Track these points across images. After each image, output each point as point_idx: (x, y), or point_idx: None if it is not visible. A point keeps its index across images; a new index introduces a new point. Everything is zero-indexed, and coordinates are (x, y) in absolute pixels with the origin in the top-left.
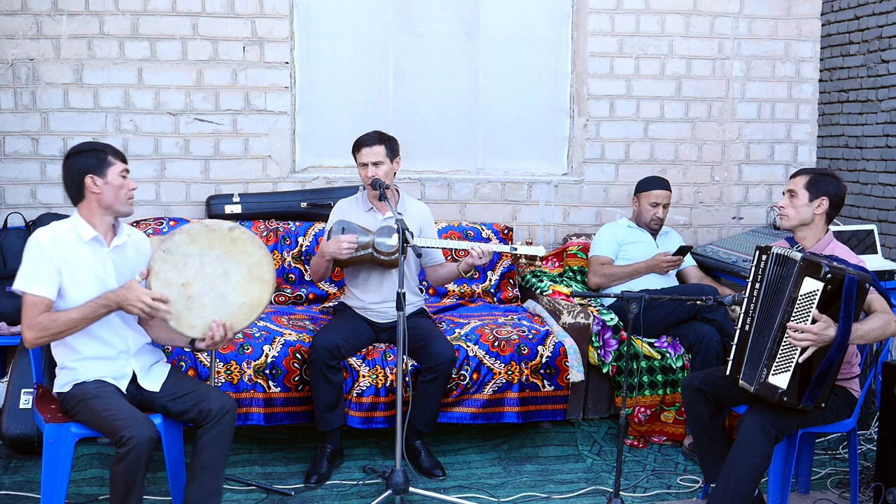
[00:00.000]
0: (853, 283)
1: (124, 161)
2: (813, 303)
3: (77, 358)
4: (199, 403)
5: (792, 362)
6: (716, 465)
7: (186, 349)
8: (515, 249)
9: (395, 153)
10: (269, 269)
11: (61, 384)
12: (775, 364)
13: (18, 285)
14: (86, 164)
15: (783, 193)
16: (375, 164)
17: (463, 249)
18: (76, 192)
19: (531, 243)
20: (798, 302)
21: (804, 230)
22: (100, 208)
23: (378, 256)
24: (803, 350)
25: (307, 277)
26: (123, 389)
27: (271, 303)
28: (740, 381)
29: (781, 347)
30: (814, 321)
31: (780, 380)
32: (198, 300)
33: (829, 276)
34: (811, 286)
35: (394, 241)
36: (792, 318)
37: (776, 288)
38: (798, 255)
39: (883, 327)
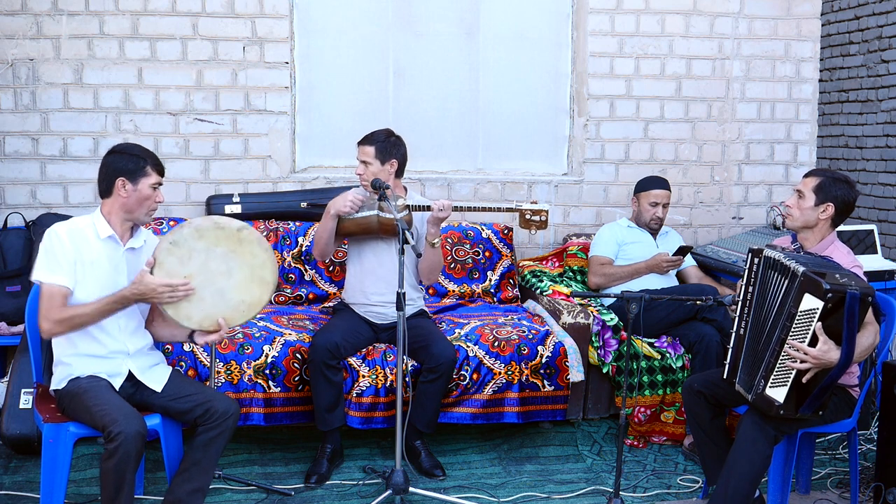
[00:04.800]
0: (855, 300)
1: (161, 174)
2: (812, 319)
3: (73, 353)
4: (205, 404)
5: (790, 376)
6: (718, 466)
7: (186, 342)
8: (520, 205)
9: (390, 155)
10: (271, 270)
11: (58, 380)
12: (773, 377)
13: (37, 276)
14: (123, 166)
15: (794, 191)
16: (364, 163)
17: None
18: (105, 189)
19: (536, 202)
20: (797, 318)
21: (807, 232)
22: (121, 211)
23: (383, 216)
24: (803, 371)
25: (307, 277)
26: (117, 387)
27: (271, 303)
28: (736, 386)
29: (779, 361)
30: (814, 337)
31: (778, 393)
32: (198, 293)
33: (829, 294)
34: (811, 304)
35: (400, 202)
36: (791, 335)
37: (773, 297)
38: (800, 269)
39: (873, 342)
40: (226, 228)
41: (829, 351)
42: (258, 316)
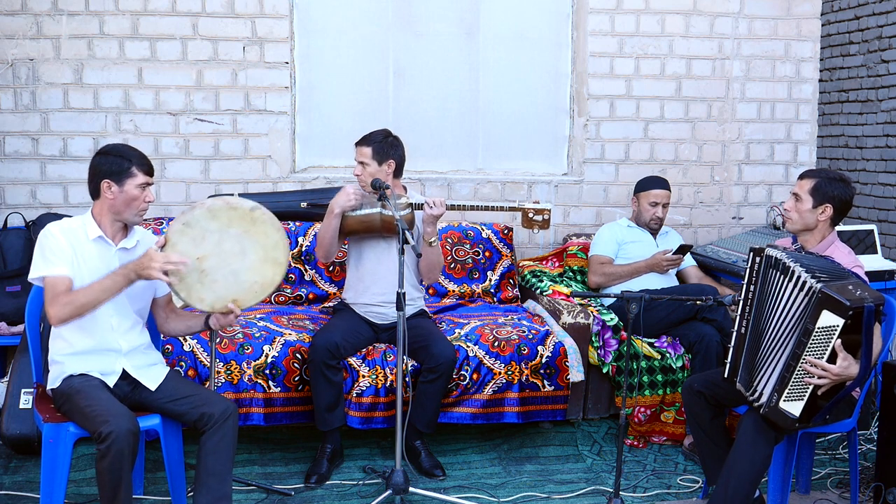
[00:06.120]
0: (871, 313)
1: (149, 174)
2: (831, 337)
3: (68, 352)
4: (200, 407)
5: (806, 391)
6: (717, 466)
7: (203, 331)
8: (523, 204)
9: (387, 156)
10: (284, 251)
11: (53, 380)
12: (787, 391)
13: (36, 272)
14: (107, 168)
15: (791, 194)
16: (362, 163)
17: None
18: (93, 190)
19: (538, 202)
20: (815, 335)
21: (807, 234)
22: (110, 212)
23: (385, 213)
24: (820, 385)
25: (307, 277)
26: (111, 385)
27: (271, 302)
28: (737, 385)
29: (795, 375)
30: (833, 354)
31: (794, 407)
32: (210, 275)
33: (850, 312)
34: (830, 321)
35: (402, 201)
36: (807, 351)
37: (776, 298)
38: (817, 285)
39: (880, 347)
40: (238, 209)
41: (849, 366)
42: (258, 316)
